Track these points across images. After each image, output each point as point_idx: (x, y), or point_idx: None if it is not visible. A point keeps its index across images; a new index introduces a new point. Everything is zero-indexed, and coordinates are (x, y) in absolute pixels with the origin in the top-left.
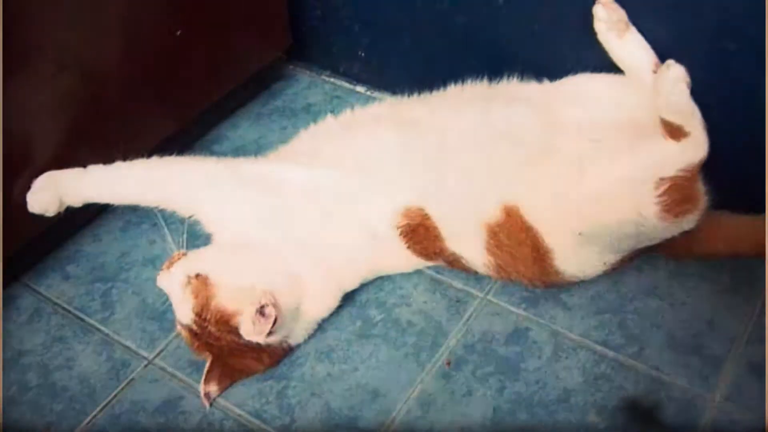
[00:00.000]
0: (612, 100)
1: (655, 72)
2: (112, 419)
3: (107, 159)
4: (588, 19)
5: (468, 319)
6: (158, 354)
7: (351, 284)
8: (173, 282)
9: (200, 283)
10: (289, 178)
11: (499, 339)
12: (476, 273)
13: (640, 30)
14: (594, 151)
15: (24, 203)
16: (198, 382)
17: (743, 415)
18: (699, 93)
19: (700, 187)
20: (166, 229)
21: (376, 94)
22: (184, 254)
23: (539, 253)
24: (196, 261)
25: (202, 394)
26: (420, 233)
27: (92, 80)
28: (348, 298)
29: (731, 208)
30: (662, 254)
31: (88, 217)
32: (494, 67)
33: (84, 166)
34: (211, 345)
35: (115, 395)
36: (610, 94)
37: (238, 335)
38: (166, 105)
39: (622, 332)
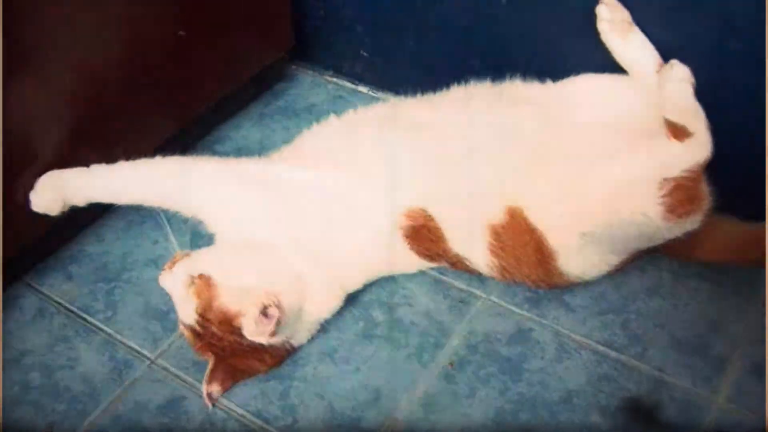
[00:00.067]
0: (615, 100)
1: (658, 72)
2: (114, 419)
3: (110, 159)
4: (591, 19)
5: (471, 320)
6: (161, 354)
7: (354, 285)
8: (176, 282)
9: (203, 283)
10: (292, 178)
11: (502, 339)
12: (479, 274)
13: (644, 30)
14: (597, 151)
15: (27, 203)
16: (200, 382)
17: (746, 416)
18: (703, 93)
19: (704, 188)
20: (168, 229)
21: (378, 94)
22: (187, 254)
23: (543, 255)
24: (199, 261)
25: (204, 394)
26: (423, 234)
27: (95, 80)
28: (351, 298)
29: (736, 209)
30: (665, 255)
31: (91, 216)
32: (497, 68)
33: (87, 165)
34: (214, 345)
35: (118, 395)
36: (613, 95)
37: (241, 336)
38: (168, 105)
39: (625, 333)
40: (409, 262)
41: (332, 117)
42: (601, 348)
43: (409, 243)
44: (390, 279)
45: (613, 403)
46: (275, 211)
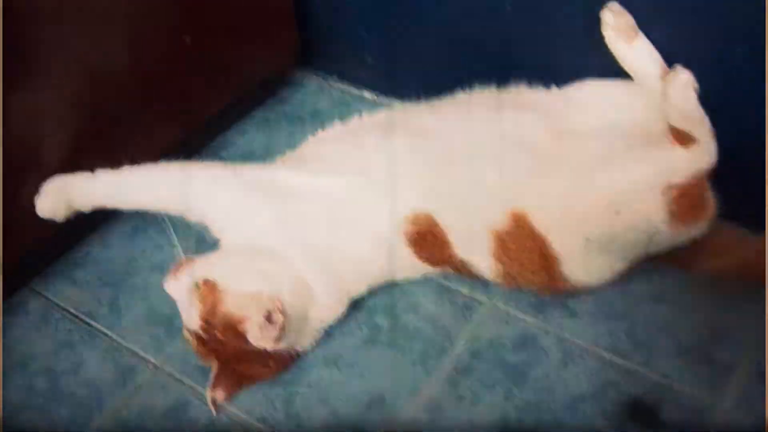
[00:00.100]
0: (620, 106)
1: (663, 78)
2: (118, 424)
3: (115, 164)
4: (596, 24)
5: (475, 326)
6: (165, 359)
7: (358, 290)
8: (181, 287)
9: (208, 288)
10: (297, 184)
11: (507, 346)
12: (484, 280)
13: (649, 36)
14: (602, 157)
15: (32, 208)
16: (205, 388)
17: (752, 422)
18: (708, 99)
19: (709, 195)
20: (173, 235)
21: (383, 100)
22: (192, 260)
23: (547, 261)
24: (203, 266)
25: (208, 400)
26: (428, 240)
27: (100, 86)
28: (355, 304)
29: (741, 217)
30: (669, 264)
31: (96, 222)
32: (502, 74)
33: (92, 171)
34: (218, 351)
35: (122, 400)
36: (618, 101)
37: (246, 341)
38: (173, 110)
39: (631, 339)
40: (414, 267)
41: (337, 123)
42: (606, 354)
43: (413, 248)
44: (394, 285)
45: (618, 409)
46: (280, 216)
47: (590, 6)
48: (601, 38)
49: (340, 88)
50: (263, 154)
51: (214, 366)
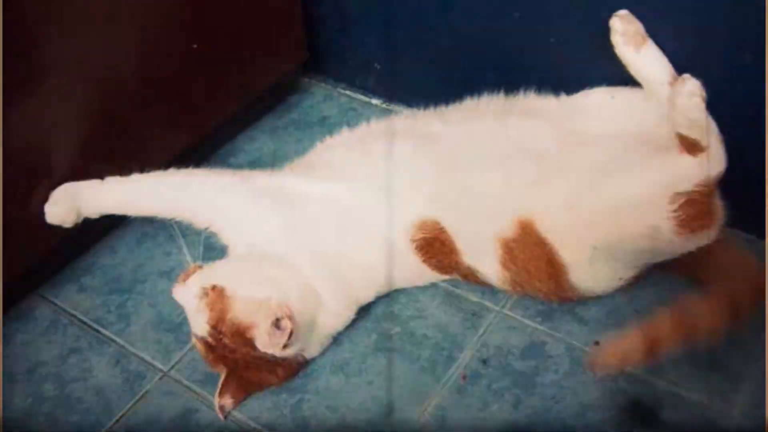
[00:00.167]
0: (629, 114)
1: (672, 85)
2: (126, 431)
3: (124, 171)
4: (605, 32)
5: (483, 333)
6: (173, 366)
7: (366, 297)
8: (189, 294)
9: (216, 295)
10: (305, 190)
11: (515, 353)
12: (491, 286)
13: (658, 43)
14: (609, 165)
15: (41, 215)
16: (213, 394)
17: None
18: (717, 107)
19: (717, 203)
20: (182, 241)
21: (391, 107)
22: (200, 266)
23: (554, 268)
24: (212, 273)
25: (216, 406)
26: (435, 247)
27: (109, 93)
28: (363, 311)
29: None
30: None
31: (104, 228)
32: (510, 81)
33: (101, 177)
34: (227, 357)
35: (130, 407)
36: (626, 108)
37: (254, 348)
38: (182, 117)
39: None
40: (422, 274)
41: (345, 129)
42: None
43: (421, 255)
44: (402, 292)
45: (627, 417)
46: (288, 223)
47: (599, 13)
48: (610, 45)
49: (348, 94)
50: (271, 161)
51: (222, 372)
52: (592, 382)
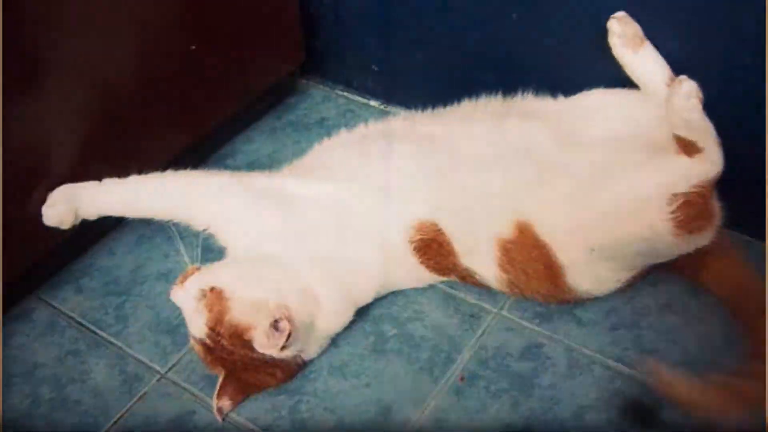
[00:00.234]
0: (626, 115)
1: (669, 87)
2: None
3: (122, 172)
4: (603, 33)
5: (481, 335)
6: (171, 368)
7: (364, 299)
8: (187, 296)
9: (214, 296)
10: (303, 192)
11: (513, 354)
12: (489, 288)
13: (656, 44)
14: (607, 166)
15: (39, 216)
16: (211, 396)
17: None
18: (714, 107)
19: (715, 204)
20: (180, 243)
21: (389, 108)
22: (198, 268)
23: (552, 270)
24: (210, 275)
25: (214, 408)
26: (433, 248)
27: (107, 95)
28: (361, 312)
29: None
30: (675, 274)
31: (102, 230)
32: (508, 83)
33: (99, 179)
34: (225, 359)
35: (128, 409)
36: (624, 110)
37: (252, 349)
38: (180, 119)
39: (637, 348)
40: (420, 276)
41: (343, 131)
42: (613, 363)
43: (419, 257)
44: (400, 293)
45: (625, 419)
46: (286, 225)
47: (596, 15)
48: (608, 47)
49: (346, 96)
50: (269, 162)
51: (220, 374)
52: (590, 384)
